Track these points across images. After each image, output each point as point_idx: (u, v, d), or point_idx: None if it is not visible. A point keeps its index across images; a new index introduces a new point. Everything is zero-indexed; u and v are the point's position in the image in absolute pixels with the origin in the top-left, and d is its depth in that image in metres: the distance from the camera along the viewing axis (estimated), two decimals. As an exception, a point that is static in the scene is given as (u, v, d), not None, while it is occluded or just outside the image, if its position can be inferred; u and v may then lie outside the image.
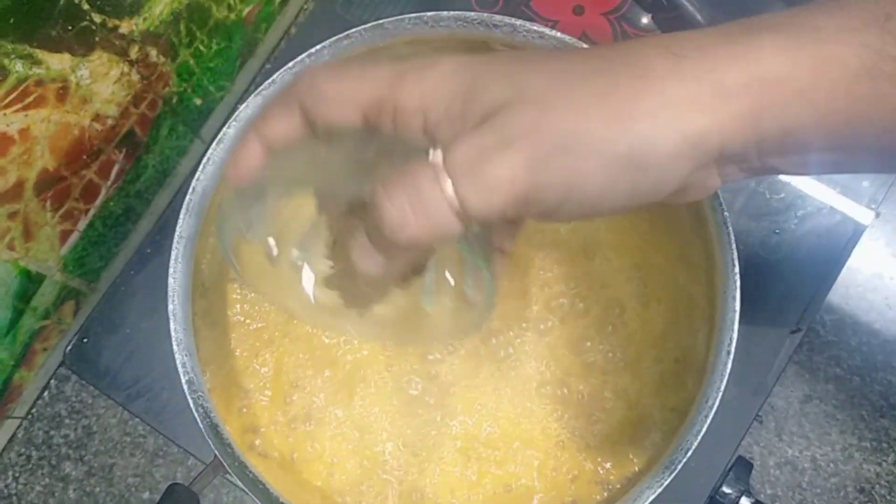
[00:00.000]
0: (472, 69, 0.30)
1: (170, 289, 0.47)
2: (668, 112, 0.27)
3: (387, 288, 0.40)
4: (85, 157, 0.58)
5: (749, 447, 0.69)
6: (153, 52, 0.58)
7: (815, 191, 0.62)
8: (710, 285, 0.50)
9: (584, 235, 0.55)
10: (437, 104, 0.30)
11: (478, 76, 0.30)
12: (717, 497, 0.59)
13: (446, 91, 0.30)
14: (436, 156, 0.29)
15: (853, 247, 0.63)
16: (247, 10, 0.66)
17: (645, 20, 0.66)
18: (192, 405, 0.46)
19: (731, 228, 0.46)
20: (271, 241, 0.41)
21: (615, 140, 0.27)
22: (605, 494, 0.50)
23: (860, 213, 0.62)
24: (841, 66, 0.27)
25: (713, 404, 0.45)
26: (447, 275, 0.40)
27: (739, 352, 0.60)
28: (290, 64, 0.48)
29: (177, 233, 0.47)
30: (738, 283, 0.46)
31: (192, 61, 0.63)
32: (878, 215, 0.64)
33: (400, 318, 0.42)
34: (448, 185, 0.28)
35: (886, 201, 0.73)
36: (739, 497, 0.59)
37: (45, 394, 0.70)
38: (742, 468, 0.60)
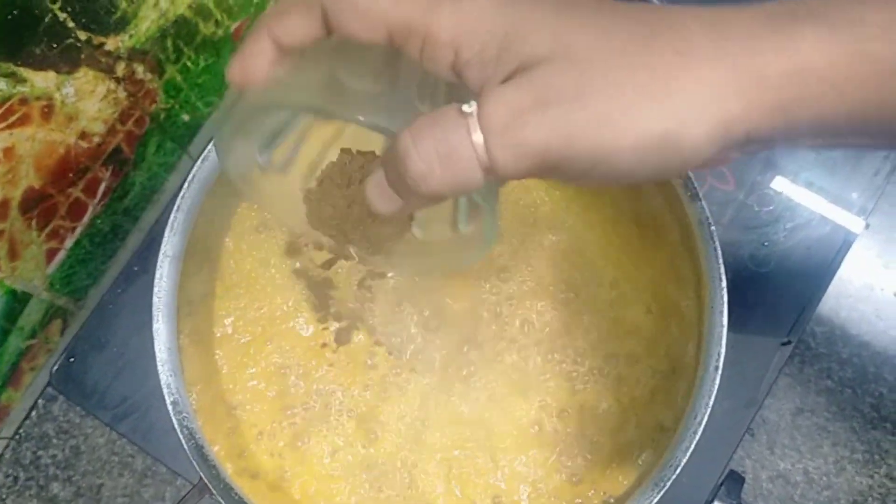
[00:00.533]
0: (513, 9, 0.29)
1: (154, 308, 0.46)
2: (705, 96, 0.27)
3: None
4: (71, 175, 0.57)
5: (741, 461, 0.69)
6: (140, 69, 0.58)
7: (805, 201, 0.62)
8: (698, 299, 0.50)
9: (571, 246, 0.54)
10: (472, 43, 0.29)
11: (519, 20, 0.28)
12: (710, 512, 0.59)
13: (483, 30, 0.29)
14: (471, 108, 0.28)
15: (843, 257, 0.63)
16: (234, 25, 0.66)
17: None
18: (176, 426, 0.46)
19: (717, 243, 0.46)
20: (272, 155, 0.39)
21: (651, 119, 0.27)
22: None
23: (850, 222, 0.62)
24: (878, 62, 0.27)
25: (702, 420, 0.45)
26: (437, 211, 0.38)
27: (730, 364, 0.59)
28: (276, 81, 0.48)
29: (161, 251, 0.46)
30: (726, 299, 0.46)
31: (179, 78, 0.62)
32: (867, 226, 0.64)
33: (399, 245, 0.41)
34: (480, 141, 0.28)
35: (876, 212, 0.73)
36: (731, 511, 0.58)
37: (33, 413, 0.70)
38: (733, 482, 0.60)
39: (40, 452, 0.70)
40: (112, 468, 0.69)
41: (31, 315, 0.62)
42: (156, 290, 0.46)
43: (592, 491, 0.50)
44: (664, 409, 0.51)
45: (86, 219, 0.62)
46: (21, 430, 0.69)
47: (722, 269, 0.46)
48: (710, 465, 0.60)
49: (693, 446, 0.45)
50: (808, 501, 0.69)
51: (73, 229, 0.61)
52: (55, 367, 0.61)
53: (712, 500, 0.59)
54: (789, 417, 0.70)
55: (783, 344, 0.62)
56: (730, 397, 0.60)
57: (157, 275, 0.47)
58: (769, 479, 0.69)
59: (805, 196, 0.63)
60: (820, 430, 0.70)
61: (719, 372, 0.46)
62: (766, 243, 0.62)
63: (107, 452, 0.69)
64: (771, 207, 0.63)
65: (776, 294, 0.62)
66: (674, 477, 0.44)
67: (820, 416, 0.70)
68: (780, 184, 0.63)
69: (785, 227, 0.62)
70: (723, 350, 0.46)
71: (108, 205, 0.63)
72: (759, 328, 0.61)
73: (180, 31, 0.60)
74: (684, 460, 0.44)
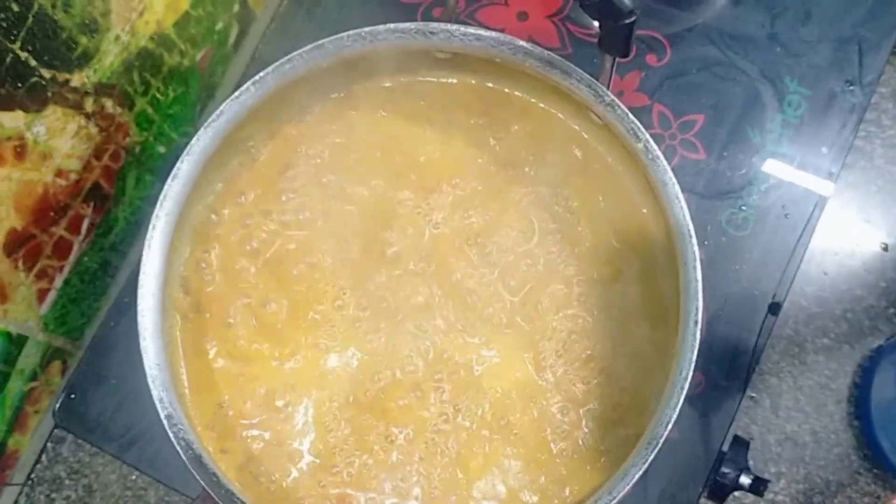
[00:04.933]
0: None
1: (140, 326, 0.47)
2: None
3: None
4: (52, 213, 0.59)
5: (747, 427, 0.69)
6: (109, 103, 0.59)
7: (773, 168, 0.63)
8: (674, 264, 0.50)
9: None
10: None
11: None
12: (718, 477, 0.59)
13: None
14: None
15: (820, 213, 0.63)
16: (200, 54, 0.67)
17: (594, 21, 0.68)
18: (173, 439, 0.46)
19: (682, 199, 0.47)
20: None
21: None
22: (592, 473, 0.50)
23: (820, 186, 0.63)
24: None
25: (687, 374, 0.45)
26: None
27: (720, 331, 0.60)
28: (237, 93, 0.49)
29: (141, 270, 0.47)
30: (697, 253, 0.47)
31: (149, 109, 0.64)
32: (836, 184, 0.64)
33: None
34: None
35: (851, 167, 0.74)
36: (739, 475, 0.59)
37: (43, 457, 0.70)
38: (739, 446, 0.60)
39: (54, 495, 0.70)
40: (126, 503, 0.70)
41: (29, 357, 0.63)
42: (139, 308, 0.47)
43: (587, 454, 0.51)
44: (651, 377, 0.51)
45: (72, 257, 0.63)
46: (33, 475, 0.70)
47: (690, 224, 0.47)
48: (713, 434, 0.60)
49: (681, 402, 0.45)
50: (818, 460, 0.69)
51: (62, 268, 0.63)
52: (57, 405, 0.62)
53: (719, 467, 0.59)
54: (790, 379, 0.70)
55: (771, 304, 0.62)
56: (720, 363, 0.60)
57: (140, 293, 0.48)
58: (777, 442, 0.69)
59: (772, 161, 0.64)
60: (823, 388, 0.70)
61: (699, 326, 0.46)
62: (743, 207, 0.63)
63: (119, 488, 0.70)
64: (743, 171, 0.63)
65: (758, 255, 0.62)
66: (666, 433, 0.45)
67: (821, 374, 0.70)
68: (743, 164, 0.64)
69: (759, 189, 0.63)
70: (700, 304, 0.46)
71: (93, 241, 0.65)
72: (744, 291, 0.62)
73: (145, 63, 0.61)
74: (674, 416, 0.45)
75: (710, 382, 0.60)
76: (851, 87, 0.65)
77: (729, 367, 0.60)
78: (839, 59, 0.65)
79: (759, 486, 0.59)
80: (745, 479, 0.59)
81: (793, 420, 0.70)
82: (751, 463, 0.60)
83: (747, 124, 0.64)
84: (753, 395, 0.69)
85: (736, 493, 0.64)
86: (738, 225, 0.63)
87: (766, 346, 0.61)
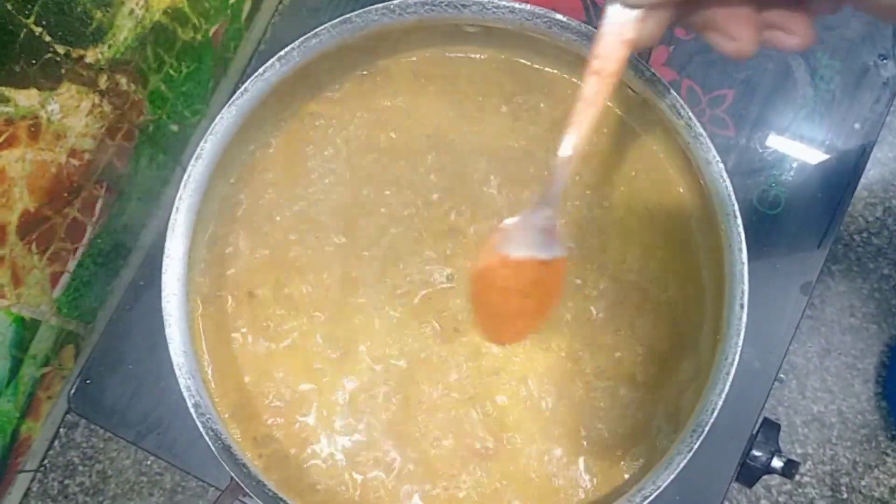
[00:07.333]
0: None
1: (165, 313, 0.46)
2: None
3: None
4: (66, 194, 0.57)
5: (773, 409, 0.68)
6: (123, 81, 0.57)
7: (805, 144, 0.61)
8: (715, 245, 0.49)
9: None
10: None
11: None
12: (749, 461, 0.58)
13: None
14: None
15: (852, 194, 0.62)
16: (213, 29, 0.65)
17: (614, -6, 0.66)
18: (201, 429, 0.45)
19: (728, 180, 0.45)
20: None
21: None
22: (640, 461, 0.49)
23: (852, 162, 0.61)
24: None
25: (733, 360, 0.44)
26: None
27: (751, 312, 0.58)
28: (261, 70, 0.47)
29: (165, 254, 0.46)
30: (743, 235, 0.45)
31: (163, 87, 0.62)
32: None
33: None
34: None
35: (881, 143, 0.73)
36: (770, 458, 0.58)
37: (56, 443, 0.69)
38: (770, 429, 0.59)
39: (67, 481, 0.69)
40: (141, 488, 0.68)
41: (41, 342, 0.61)
42: (164, 293, 0.46)
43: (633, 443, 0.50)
44: (692, 360, 0.50)
45: (86, 239, 0.61)
46: (46, 461, 0.69)
47: (735, 205, 0.45)
48: (744, 417, 0.59)
49: (727, 388, 0.44)
50: (845, 441, 0.68)
51: (75, 251, 0.61)
52: (72, 391, 0.60)
53: (750, 450, 0.58)
54: (817, 360, 0.69)
55: (803, 286, 0.61)
56: (754, 345, 0.59)
57: (164, 279, 0.46)
58: (804, 423, 0.68)
59: (804, 141, 0.62)
60: (849, 368, 0.69)
61: (745, 310, 0.45)
62: (773, 184, 0.61)
63: (134, 473, 0.69)
64: (774, 148, 0.62)
65: (790, 235, 0.61)
66: (711, 421, 0.44)
67: (848, 354, 0.69)
68: (774, 140, 0.62)
69: (791, 167, 0.61)
70: (746, 287, 0.45)
71: (106, 223, 0.63)
72: (775, 271, 0.60)
73: (159, 39, 0.59)
74: (720, 403, 0.44)
75: (743, 364, 0.59)
76: (885, 61, 0.63)
77: (761, 349, 0.59)
78: (872, 31, 0.63)
79: (790, 469, 0.58)
80: (777, 463, 0.58)
81: (819, 401, 0.69)
82: (780, 444, 0.59)
83: (778, 99, 0.63)
84: (781, 376, 0.68)
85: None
86: (769, 203, 0.61)
87: (797, 327, 0.60)
